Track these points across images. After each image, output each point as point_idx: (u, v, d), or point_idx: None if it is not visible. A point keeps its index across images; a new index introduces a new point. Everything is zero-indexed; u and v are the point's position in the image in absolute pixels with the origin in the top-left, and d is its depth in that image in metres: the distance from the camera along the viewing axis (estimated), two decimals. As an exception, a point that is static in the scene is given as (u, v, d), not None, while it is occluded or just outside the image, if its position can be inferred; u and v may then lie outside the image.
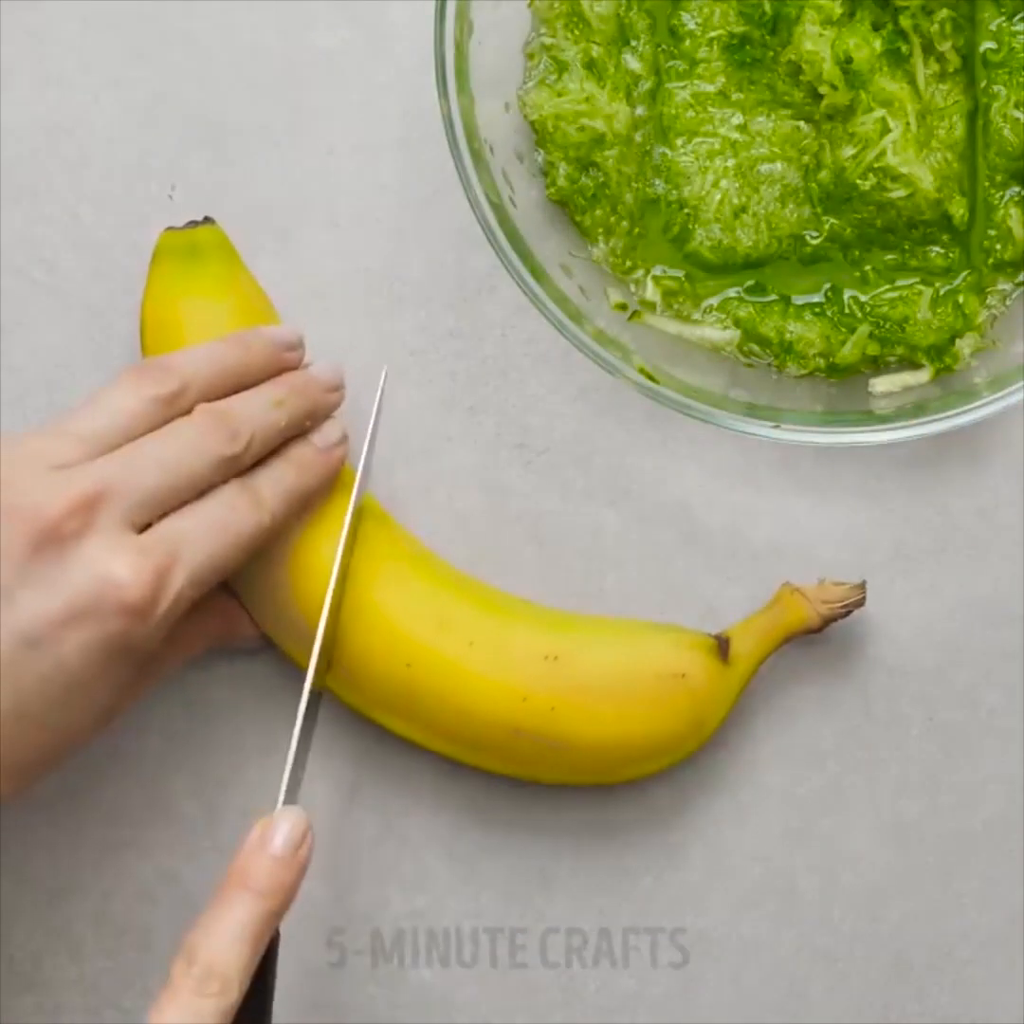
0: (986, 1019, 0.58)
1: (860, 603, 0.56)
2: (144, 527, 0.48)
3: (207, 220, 0.56)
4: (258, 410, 0.52)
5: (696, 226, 0.57)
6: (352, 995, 0.58)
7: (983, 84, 0.56)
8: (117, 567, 0.46)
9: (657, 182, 0.57)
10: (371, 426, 0.55)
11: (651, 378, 0.53)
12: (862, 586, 0.56)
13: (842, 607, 0.56)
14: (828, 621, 0.56)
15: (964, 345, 0.56)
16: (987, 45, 0.56)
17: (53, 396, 0.58)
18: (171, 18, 0.59)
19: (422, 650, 0.53)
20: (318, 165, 0.59)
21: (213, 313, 0.55)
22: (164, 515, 0.49)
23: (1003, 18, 0.56)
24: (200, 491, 0.50)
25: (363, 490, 0.55)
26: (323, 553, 0.53)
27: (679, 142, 0.57)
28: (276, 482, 0.52)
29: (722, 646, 0.55)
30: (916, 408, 0.54)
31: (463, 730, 0.54)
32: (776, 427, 0.54)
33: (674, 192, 0.57)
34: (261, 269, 0.58)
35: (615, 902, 0.58)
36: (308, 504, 0.53)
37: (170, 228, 0.56)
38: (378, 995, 0.58)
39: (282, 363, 0.54)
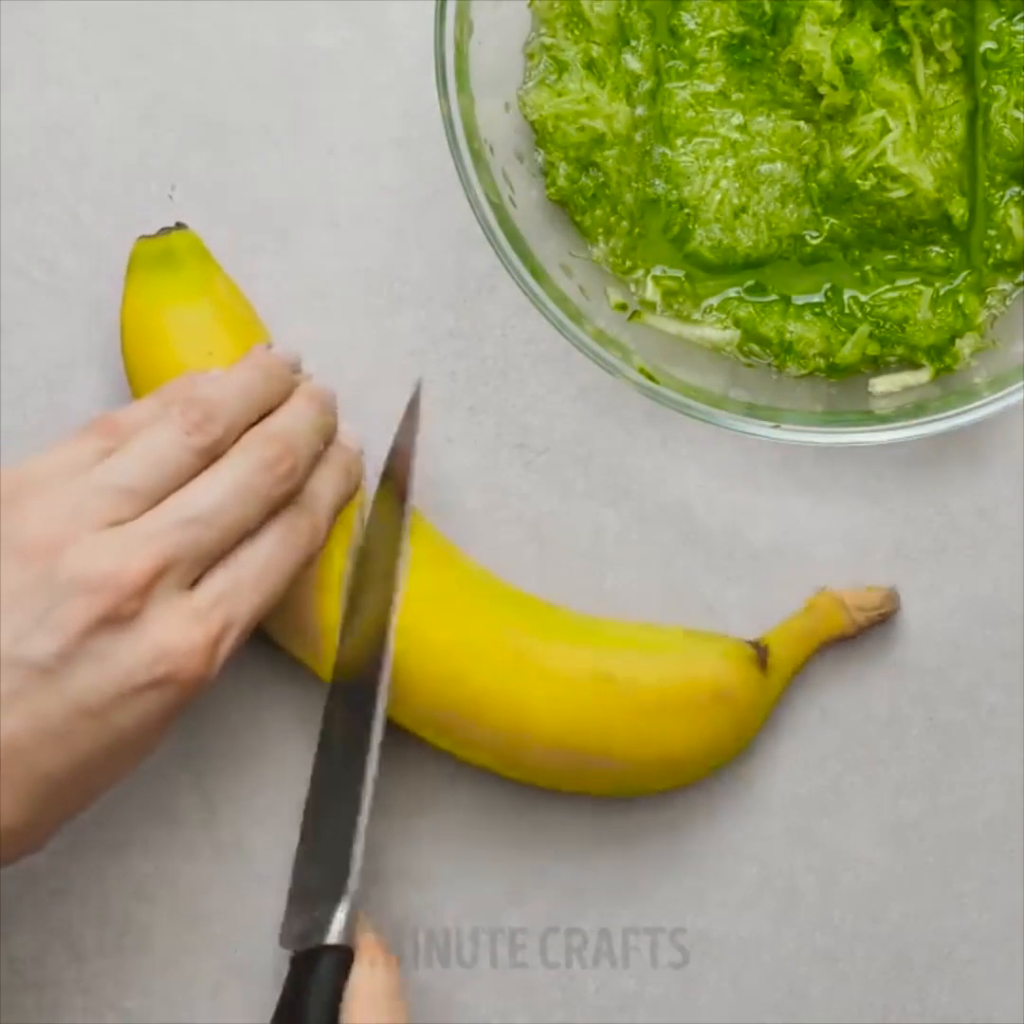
0: (986, 1019, 0.58)
1: (895, 611, 0.56)
2: (198, 577, 0.48)
3: (179, 225, 0.56)
4: (306, 437, 0.52)
5: (696, 226, 0.57)
6: (352, 995, 0.58)
7: (983, 84, 0.56)
8: (177, 640, 0.46)
9: (657, 182, 0.57)
10: (409, 437, 0.54)
11: (651, 378, 0.54)
12: (895, 594, 0.57)
13: (879, 615, 0.56)
14: (863, 629, 0.56)
15: (964, 345, 0.56)
16: (987, 45, 0.56)
17: (53, 396, 0.58)
18: (171, 18, 0.59)
19: (474, 671, 0.53)
20: (318, 165, 0.59)
21: (195, 319, 0.55)
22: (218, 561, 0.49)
23: (1003, 18, 0.56)
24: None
25: (410, 508, 0.54)
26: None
27: (679, 142, 0.57)
28: (330, 493, 0.52)
29: (761, 655, 0.55)
30: (916, 408, 0.54)
31: (513, 749, 0.54)
32: (776, 427, 0.54)
33: (674, 192, 0.57)
34: (261, 269, 0.58)
35: (615, 902, 0.58)
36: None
37: (143, 236, 0.56)
38: (378, 995, 0.58)
39: (293, 384, 0.54)
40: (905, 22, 0.55)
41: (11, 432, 0.58)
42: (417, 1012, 0.58)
